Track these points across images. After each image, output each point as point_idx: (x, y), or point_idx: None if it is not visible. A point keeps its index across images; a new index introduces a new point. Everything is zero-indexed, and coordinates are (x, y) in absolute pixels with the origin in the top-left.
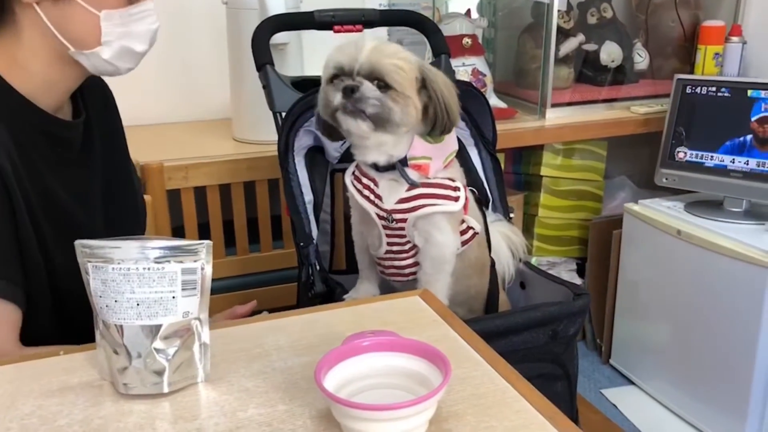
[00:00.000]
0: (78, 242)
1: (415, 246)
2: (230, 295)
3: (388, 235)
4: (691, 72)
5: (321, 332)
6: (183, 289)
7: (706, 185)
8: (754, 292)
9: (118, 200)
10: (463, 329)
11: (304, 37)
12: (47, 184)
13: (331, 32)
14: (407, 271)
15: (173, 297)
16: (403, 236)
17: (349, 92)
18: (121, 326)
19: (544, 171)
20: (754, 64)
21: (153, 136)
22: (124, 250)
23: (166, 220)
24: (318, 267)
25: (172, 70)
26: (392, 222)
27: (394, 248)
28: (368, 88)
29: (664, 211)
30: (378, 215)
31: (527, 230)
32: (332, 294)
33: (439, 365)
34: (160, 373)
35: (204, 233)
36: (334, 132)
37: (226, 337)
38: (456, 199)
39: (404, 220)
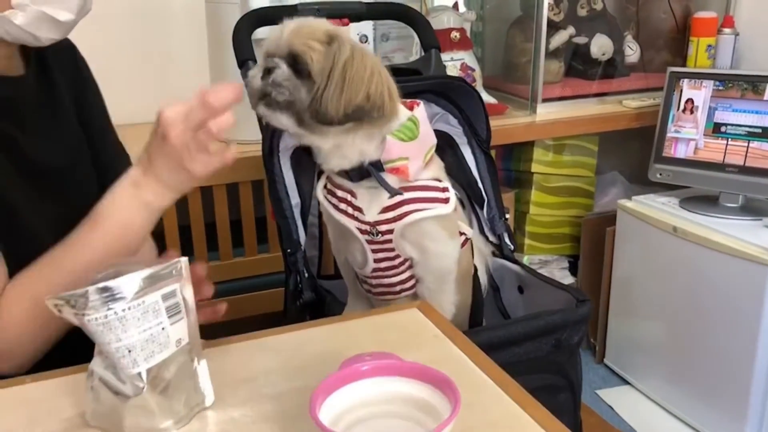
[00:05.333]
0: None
1: (406, 260)
2: (214, 302)
3: (374, 251)
4: (684, 64)
5: (313, 352)
6: (169, 317)
7: (701, 180)
8: (752, 289)
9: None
10: (466, 345)
11: None
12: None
13: None
14: (398, 288)
15: (162, 329)
16: (392, 250)
17: (266, 73)
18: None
19: (534, 168)
20: (746, 56)
21: (130, 136)
22: (91, 297)
23: None
24: (306, 274)
25: (149, 67)
26: (377, 235)
27: (383, 264)
28: (282, 72)
29: (659, 207)
30: (360, 229)
31: (518, 228)
32: (322, 302)
33: (445, 391)
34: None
35: (185, 237)
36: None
37: (207, 358)
38: (446, 200)
39: (390, 231)
